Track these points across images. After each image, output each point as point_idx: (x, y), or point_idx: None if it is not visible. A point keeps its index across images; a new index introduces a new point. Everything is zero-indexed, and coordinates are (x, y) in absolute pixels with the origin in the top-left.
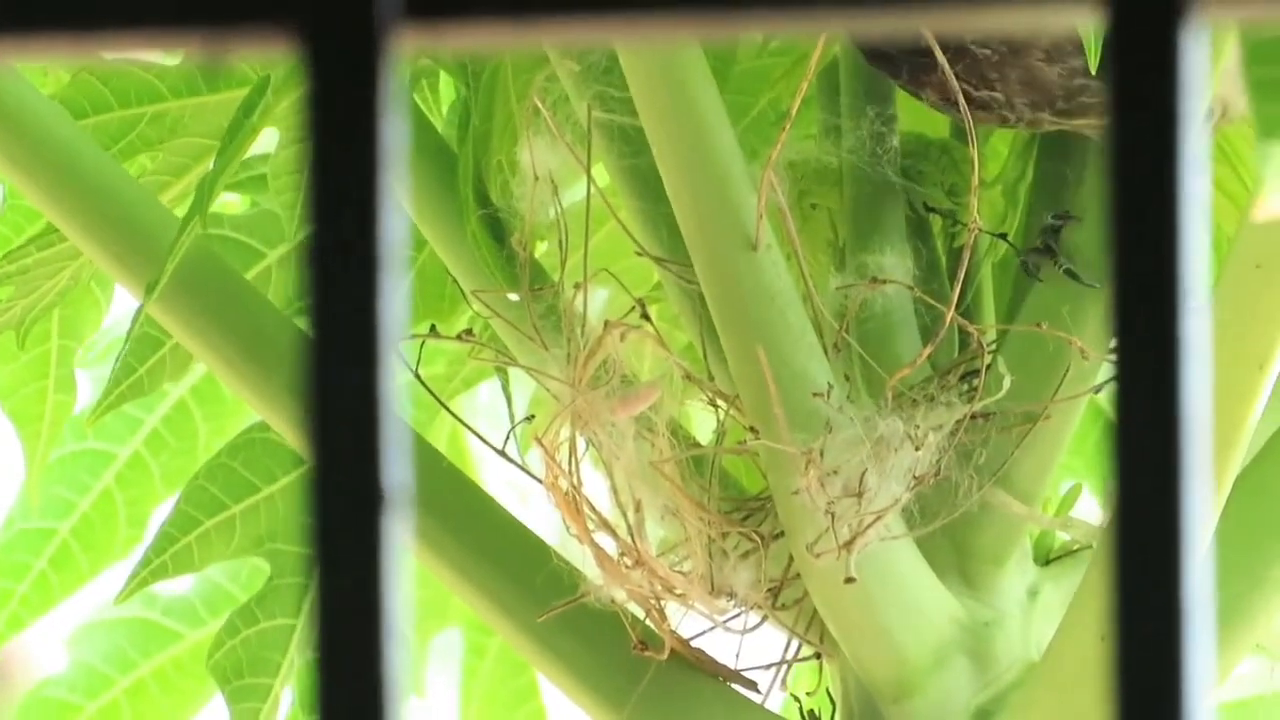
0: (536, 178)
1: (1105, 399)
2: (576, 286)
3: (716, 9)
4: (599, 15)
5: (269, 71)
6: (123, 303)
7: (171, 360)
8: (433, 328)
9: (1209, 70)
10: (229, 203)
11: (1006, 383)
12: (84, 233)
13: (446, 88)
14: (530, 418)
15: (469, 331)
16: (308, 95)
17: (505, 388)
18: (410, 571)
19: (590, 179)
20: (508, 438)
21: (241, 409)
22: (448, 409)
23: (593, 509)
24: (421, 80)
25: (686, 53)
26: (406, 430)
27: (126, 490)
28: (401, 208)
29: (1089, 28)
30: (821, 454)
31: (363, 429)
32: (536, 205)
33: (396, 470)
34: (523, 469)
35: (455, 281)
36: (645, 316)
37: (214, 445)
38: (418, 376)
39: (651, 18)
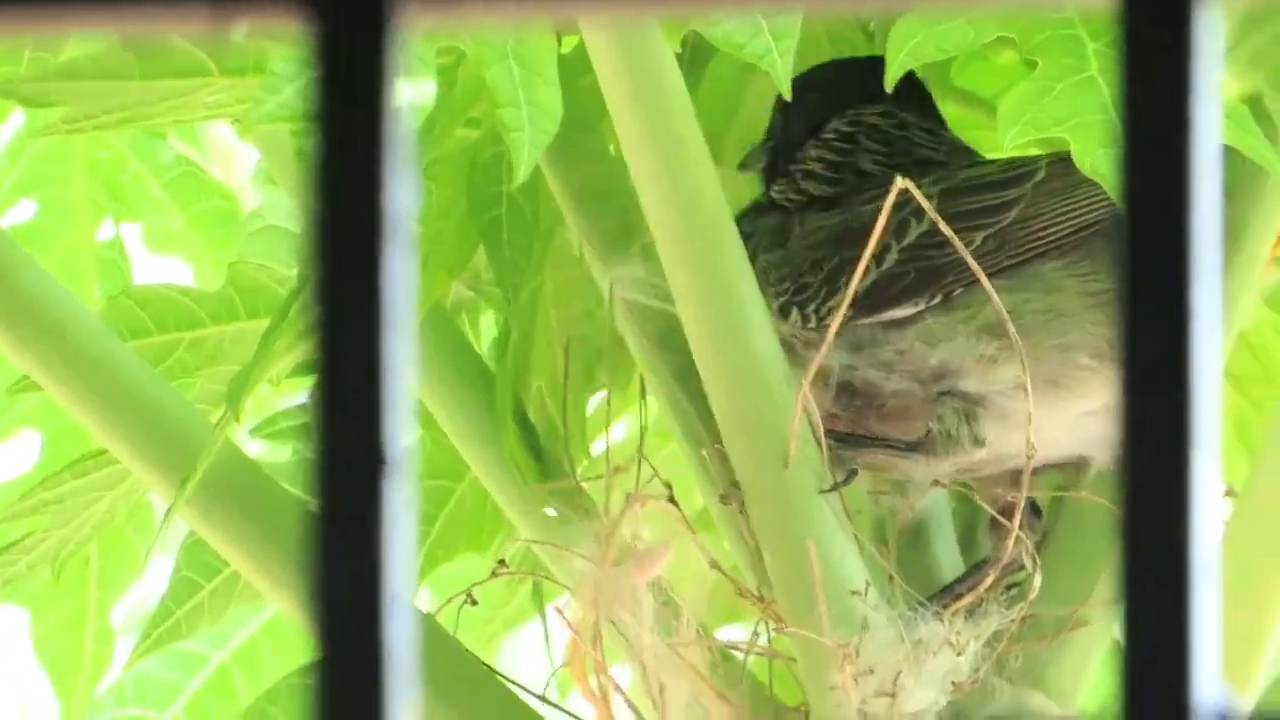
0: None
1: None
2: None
3: None
4: None
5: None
6: (159, 565)
7: (210, 605)
8: (469, 595)
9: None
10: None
11: (1038, 582)
12: (126, 445)
13: (488, 322)
14: (567, 664)
15: (502, 562)
16: (316, 71)
17: (539, 603)
18: None
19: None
20: (547, 683)
21: (282, 670)
22: (486, 664)
23: (619, 689)
24: (463, 312)
25: (730, 253)
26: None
27: None
28: (410, 187)
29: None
30: (857, 651)
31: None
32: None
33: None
34: (564, 710)
35: (495, 506)
36: (671, 500)
37: None
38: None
39: None
